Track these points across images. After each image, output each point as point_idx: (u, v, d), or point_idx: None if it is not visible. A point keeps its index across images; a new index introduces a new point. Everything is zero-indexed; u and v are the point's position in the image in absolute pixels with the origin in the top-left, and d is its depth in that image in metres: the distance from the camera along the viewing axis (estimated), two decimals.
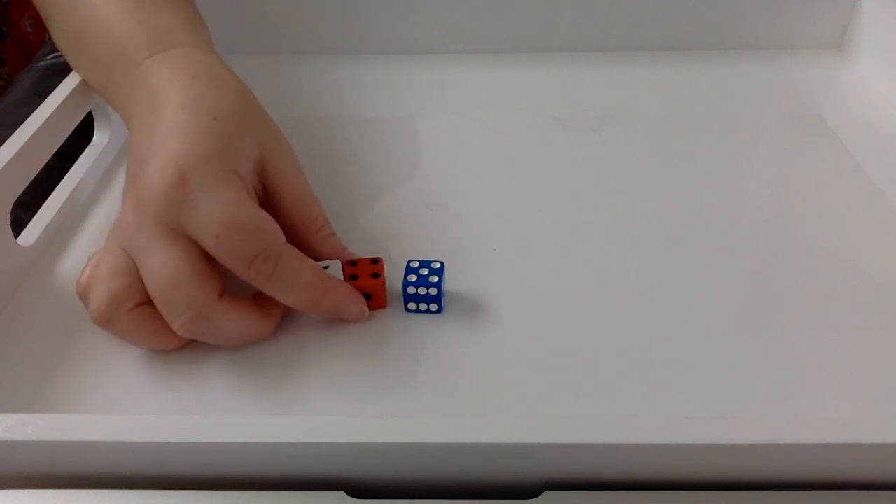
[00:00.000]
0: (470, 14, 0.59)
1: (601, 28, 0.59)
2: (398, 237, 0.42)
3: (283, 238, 0.34)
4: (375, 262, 0.37)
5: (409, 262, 0.37)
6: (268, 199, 0.37)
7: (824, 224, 0.43)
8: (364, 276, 0.36)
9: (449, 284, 0.38)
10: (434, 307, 0.37)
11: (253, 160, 0.35)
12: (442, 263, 0.37)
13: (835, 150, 0.49)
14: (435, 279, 0.36)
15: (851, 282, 0.39)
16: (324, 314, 0.36)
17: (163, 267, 0.32)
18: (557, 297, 0.38)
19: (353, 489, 0.27)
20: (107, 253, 0.34)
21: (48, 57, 0.68)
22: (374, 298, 0.37)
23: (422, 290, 0.36)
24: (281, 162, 0.37)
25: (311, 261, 0.35)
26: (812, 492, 0.27)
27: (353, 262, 0.37)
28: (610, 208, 0.44)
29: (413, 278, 0.36)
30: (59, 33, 0.45)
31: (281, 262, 0.33)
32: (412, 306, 0.37)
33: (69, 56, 0.45)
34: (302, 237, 0.37)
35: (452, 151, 0.49)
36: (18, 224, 0.39)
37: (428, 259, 0.37)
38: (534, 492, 0.27)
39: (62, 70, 0.47)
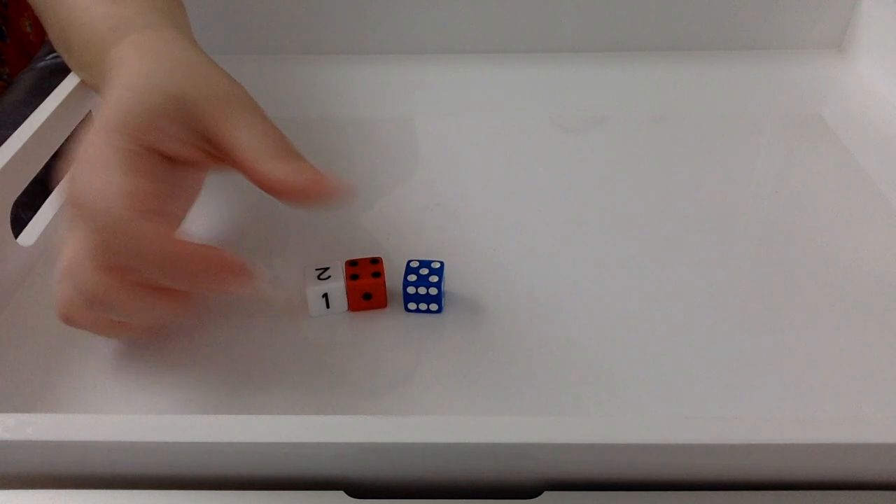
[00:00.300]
0: (470, 14, 0.59)
1: (601, 28, 0.59)
2: (398, 237, 0.42)
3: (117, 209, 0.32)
4: (375, 261, 0.37)
5: (409, 261, 0.37)
6: (224, 155, 0.34)
7: (824, 224, 0.43)
8: (364, 276, 0.37)
9: (449, 284, 0.38)
10: (434, 307, 0.37)
11: (178, 123, 0.34)
12: (442, 263, 0.37)
13: (835, 150, 0.49)
14: (435, 279, 0.36)
15: (852, 281, 0.39)
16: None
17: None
18: (557, 296, 0.38)
19: (353, 489, 0.27)
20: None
21: (48, 57, 0.67)
22: (375, 298, 0.37)
23: (422, 290, 0.36)
24: (226, 117, 0.34)
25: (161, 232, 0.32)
26: (812, 492, 0.27)
27: (353, 262, 0.37)
28: (610, 208, 0.44)
29: (413, 278, 0.36)
30: (51, 34, 0.45)
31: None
32: (412, 306, 0.37)
33: (63, 57, 0.45)
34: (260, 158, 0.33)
35: (452, 151, 0.49)
36: (18, 224, 0.39)
37: (428, 259, 0.37)
38: (534, 492, 0.27)
39: (62, 70, 0.47)
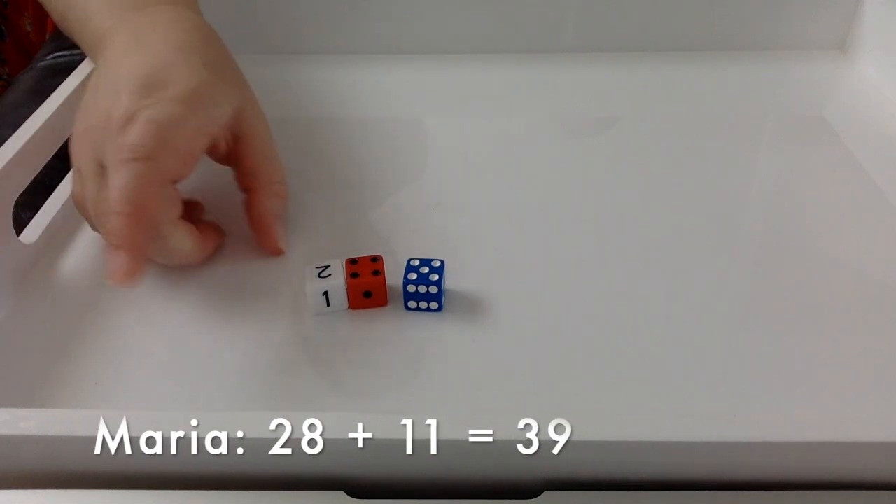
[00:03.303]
0: (472, 14, 0.59)
1: (603, 29, 0.59)
2: (399, 236, 0.42)
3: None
4: (376, 259, 0.37)
5: (410, 260, 0.37)
6: (235, 148, 0.40)
7: (826, 224, 0.43)
8: (365, 274, 0.36)
9: (449, 283, 0.38)
10: (434, 305, 0.37)
11: (232, 109, 0.38)
12: (442, 262, 0.37)
13: (837, 151, 0.49)
14: (435, 277, 0.36)
15: (853, 281, 0.39)
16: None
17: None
18: (558, 296, 0.38)
19: (353, 489, 0.27)
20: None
21: (48, 57, 0.67)
22: (375, 296, 0.37)
23: (422, 289, 0.36)
24: (255, 120, 0.40)
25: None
26: (812, 492, 0.27)
27: (353, 260, 0.37)
28: (610, 208, 0.44)
29: (413, 276, 0.36)
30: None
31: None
32: (412, 304, 0.37)
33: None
34: (255, 189, 0.40)
35: (454, 151, 0.49)
36: (18, 224, 0.39)
37: (428, 258, 0.37)
38: (534, 492, 0.27)
39: (62, 70, 0.47)
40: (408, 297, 0.37)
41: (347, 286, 0.37)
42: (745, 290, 0.39)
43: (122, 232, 0.34)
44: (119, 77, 0.37)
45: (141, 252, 0.35)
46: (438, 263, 0.37)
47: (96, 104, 0.37)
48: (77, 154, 0.37)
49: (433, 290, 0.36)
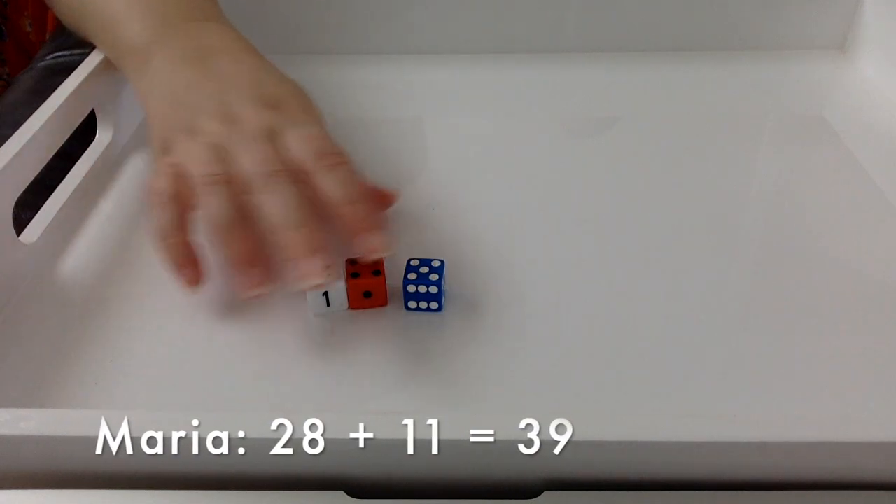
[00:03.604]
0: (472, 15, 0.59)
1: (603, 29, 0.59)
2: (400, 236, 0.42)
3: None
4: (376, 260, 0.37)
5: (410, 260, 0.37)
6: None
7: (826, 224, 0.43)
8: (365, 274, 0.36)
9: (450, 284, 0.38)
10: (434, 305, 0.37)
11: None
12: (442, 262, 0.37)
13: (837, 151, 0.49)
14: (435, 277, 0.36)
15: (853, 282, 0.39)
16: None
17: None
18: (558, 296, 0.38)
19: (353, 489, 0.27)
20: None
21: (48, 57, 0.67)
22: (375, 296, 0.37)
23: (422, 289, 0.36)
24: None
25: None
26: (812, 492, 0.27)
27: (353, 260, 0.37)
28: (611, 208, 0.44)
29: (413, 276, 0.36)
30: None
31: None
32: (412, 304, 0.37)
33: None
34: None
35: (455, 151, 0.49)
36: (17, 223, 0.39)
37: (428, 258, 0.37)
38: (534, 492, 0.27)
39: (62, 70, 0.47)
40: (408, 297, 0.37)
41: (347, 286, 0.37)
42: (745, 289, 0.39)
43: (368, 216, 0.35)
44: (217, 90, 0.39)
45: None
46: (438, 263, 0.37)
47: (182, 113, 0.39)
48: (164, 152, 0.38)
49: (433, 290, 0.36)
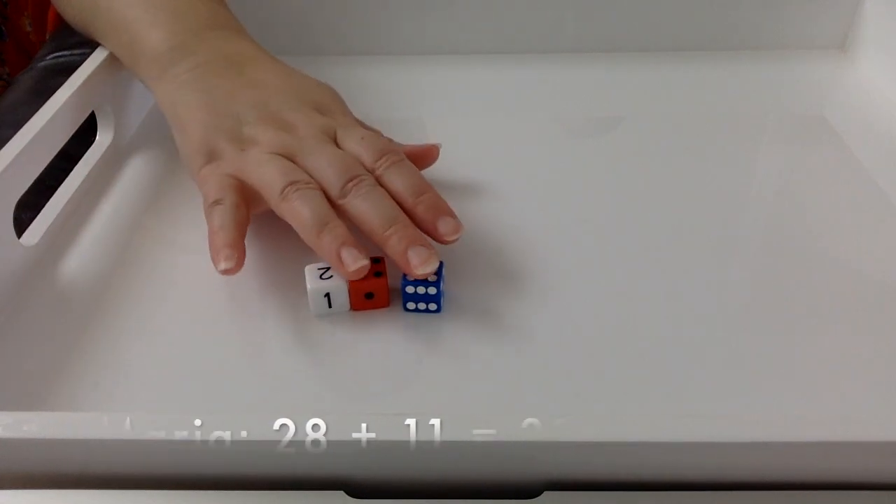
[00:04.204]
0: (472, 15, 0.59)
1: (603, 29, 0.59)
2: None
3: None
4: (378, 261, 0.37)
5: None
6: None
7: (827, 224, 0.43)
8: (367, 275, 0.36)
9: (451, 284, 0.38)
10: (433, 307, 0.37)
11: None
12: (441, 263, 0.37)
13: (837, 151, 0.49)
14: (433, 278, 0.36)
15: (853, 281, 0.39)
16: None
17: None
18: (558, 296, 0.38)
19: (353, 489, 0.27)
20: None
21: (48, 57, 0.67)
22: (377, 297, 0.37)
23: (420, 290, 0.36)
24: None
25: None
26: (812, 492, 0.27)
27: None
28: (611, 208, 0.44)
29: (412, 277, 0.36)
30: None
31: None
32: (411, 305, 0.37)
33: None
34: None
35: (455, 152, 0.49)
36: (18, 224, 0.39)
37: None
38: (534, 492, 0.27)
39: (62, 70, 0.47)
40: (406, 298, 0.37)
41: (349, 287, 0.37)
42: (746, 289, 0.39)
43: (438, 203, 0.38)
44: (258, 97, 0.41)
45: None
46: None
47: (227, 122, 0.40)
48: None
49: (431, 291, 0.36)
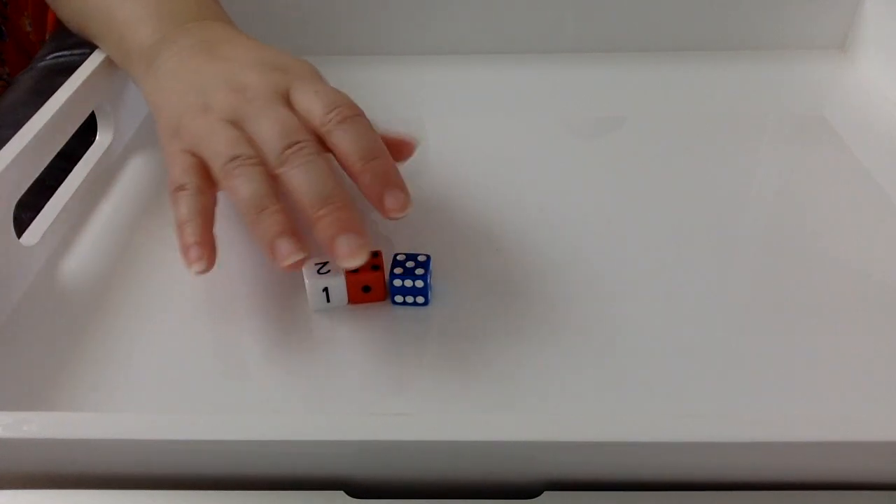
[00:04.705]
0: (473, 15, 0.59)
1: (603, 29, 0.59)
2: (398, 234, 0.42)
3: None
4: (375, 255, 0.37)
5: (396, 255, 0.37)
6: None
7: (827, 224, 0.43)
8: (364, 269, 0.36)
9: (449, 284, 0.38)
10: (420, 299, 0.37)
11: None
12: (428, 256, 0.37)
13: (837, 151, 0.49)
14: (421, 272, 0.36)
15: (853, 281, 0.39)
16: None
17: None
18: (558, 296, 0.38)
19: (354, 489, 0.27)
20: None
21: (48, 57, 0.67)
22: (374, 290, 0.37)
23: (408, 283, 0.36)
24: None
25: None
26: (812, 492, 0.27)
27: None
28: (611, 208, 0.44)
29: (399, 271, 0.36)
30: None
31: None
32: (399, 299, 0.37)
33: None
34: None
35: (454, 151, 0.49)
36: (18, 224, 0.39)
37: (415, 252, 0.37)
38: (534, 492, 0.27)
39: (62, 70, 0.47)
40: (394, 291, 0.37)
41: (347, 281, 0.37)
42: (746, 289, 0.39)
43: (386, 172, 0.34)
44: (224, 69, 0.39)
45: None
46: (424, 258, 0.37)
47: (191, 97, 0.38)
48: (183, 141, 0.37)
49: (419, 283, 0.36)
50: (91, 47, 0.49)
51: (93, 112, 0.47)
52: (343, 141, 0.35)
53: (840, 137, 0.50)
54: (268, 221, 0.33)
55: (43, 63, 0.64)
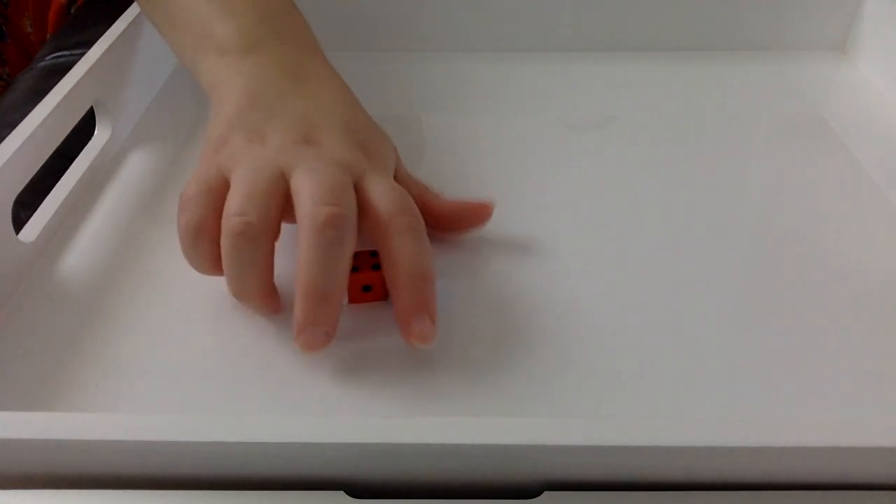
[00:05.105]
0: (470, 13, 0.59)
1: (603, 28, 0.59)
2: None
3: None
4: (375, 254, 0.37)
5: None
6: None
7: (826, 225, 0.43)
8: (364, 268, 0.36)
9: (449, 284, 0.38)
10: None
11: None
12: None
13: (837, 152, 0.49)
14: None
15: (853, 282, 0.39)
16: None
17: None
18: (557, 296, 0.38)
19: (354, 489, 0.27)
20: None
21: (48, 57, 0.67)
22: (374, 290, 0.37)
23: None
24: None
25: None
26: (812, 492, 0.27)
27: (353, 255, 0.37)
28: (611, 208, 0.44)
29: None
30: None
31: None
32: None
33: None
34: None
35: (453, 150, 0.49)
36: (16, 222, 0.39)
37: None
38: (534, 492, 0.27)
39: (62, 70, 0.47)
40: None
41: (347, 280, 0.37)
42: (745, 290, 0.39)
43: (428, 298, 0.34)
44: (305, 112, 0.38)
45: None
46: None
47: (260, 114, 0.37)
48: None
49: None
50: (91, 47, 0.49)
51: (91, 108, 0.47)
52: (401, 249, 0.34)
53: (840, 138, 0.50)
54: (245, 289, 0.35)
55: (43, 63, 0.64)
